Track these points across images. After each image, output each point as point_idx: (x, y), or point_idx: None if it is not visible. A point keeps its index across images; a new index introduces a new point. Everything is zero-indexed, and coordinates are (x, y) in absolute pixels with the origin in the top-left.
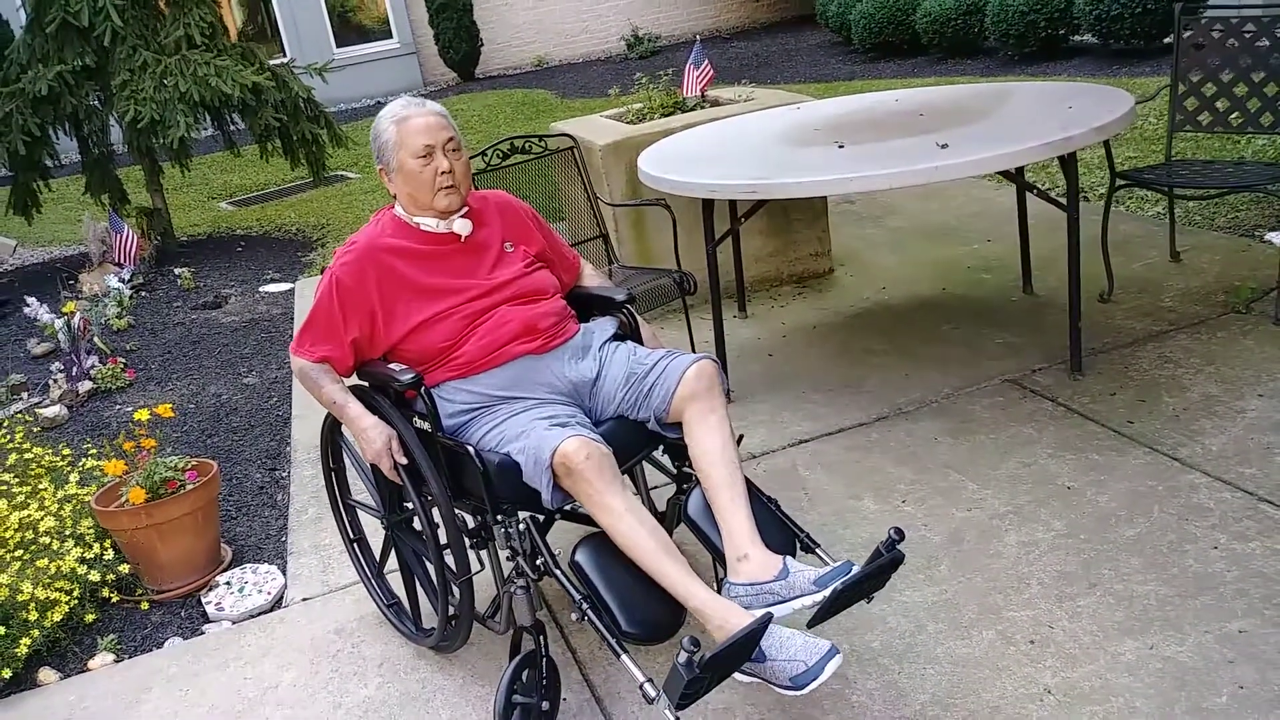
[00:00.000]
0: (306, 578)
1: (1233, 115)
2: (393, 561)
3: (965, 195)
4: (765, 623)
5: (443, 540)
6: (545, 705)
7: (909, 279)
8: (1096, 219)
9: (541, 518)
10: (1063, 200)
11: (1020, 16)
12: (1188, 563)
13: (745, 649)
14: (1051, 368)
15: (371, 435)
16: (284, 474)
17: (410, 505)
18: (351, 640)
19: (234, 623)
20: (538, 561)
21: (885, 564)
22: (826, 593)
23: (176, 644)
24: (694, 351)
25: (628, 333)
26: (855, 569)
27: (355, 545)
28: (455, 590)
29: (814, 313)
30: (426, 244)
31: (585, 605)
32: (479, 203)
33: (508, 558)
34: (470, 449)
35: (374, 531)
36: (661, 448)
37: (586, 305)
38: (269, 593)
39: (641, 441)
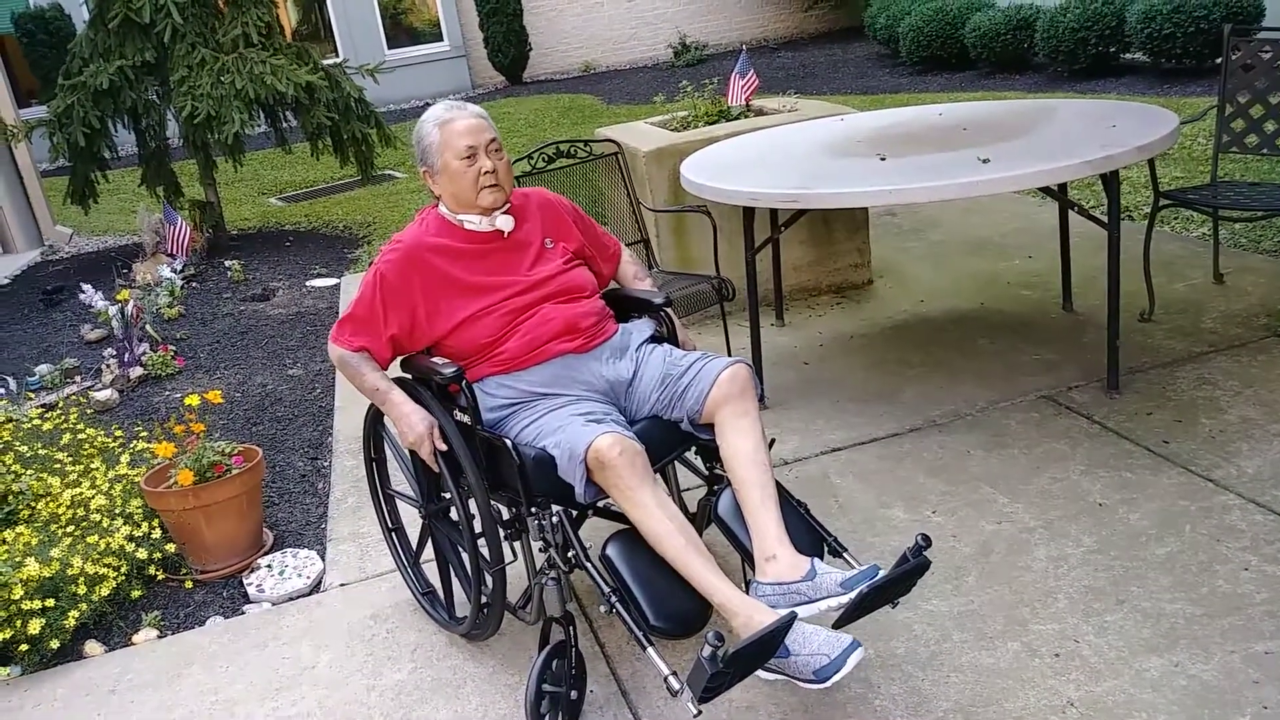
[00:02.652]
0: (345, 564)
1: None
2: (428, 552)
3: (1007, 210)
4: (790, 621)
5: (478, 530)
6: (573, 695)
7: (948, 292)
8: (1140, 238)
9: (575, 512)
10: (1104, 218)
11: (1071, 33)
12: (1217, 583)
13: (769, 646)
14: (1088, 385)
15: (414, 420)
16: (325, 463)
17: (448, 495)
18: (386, 626)
19: (274, 604)
20: (569, 554)
21: (911, 569)
22: (852, 595)
23: (218, 623)
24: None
25: (665, 335)
26: (881, 573)
27: (393, 534)
28: (488, 579)
29: (851, 323)
30: (470, 242)
31: (614, 598)
32: (520, 200)
33: (540, 549)
34: (508, 442)
35: (411, 522)
36: (694, 449)
37: (626, 306)
38: (308, 577)
39: (675, 442)
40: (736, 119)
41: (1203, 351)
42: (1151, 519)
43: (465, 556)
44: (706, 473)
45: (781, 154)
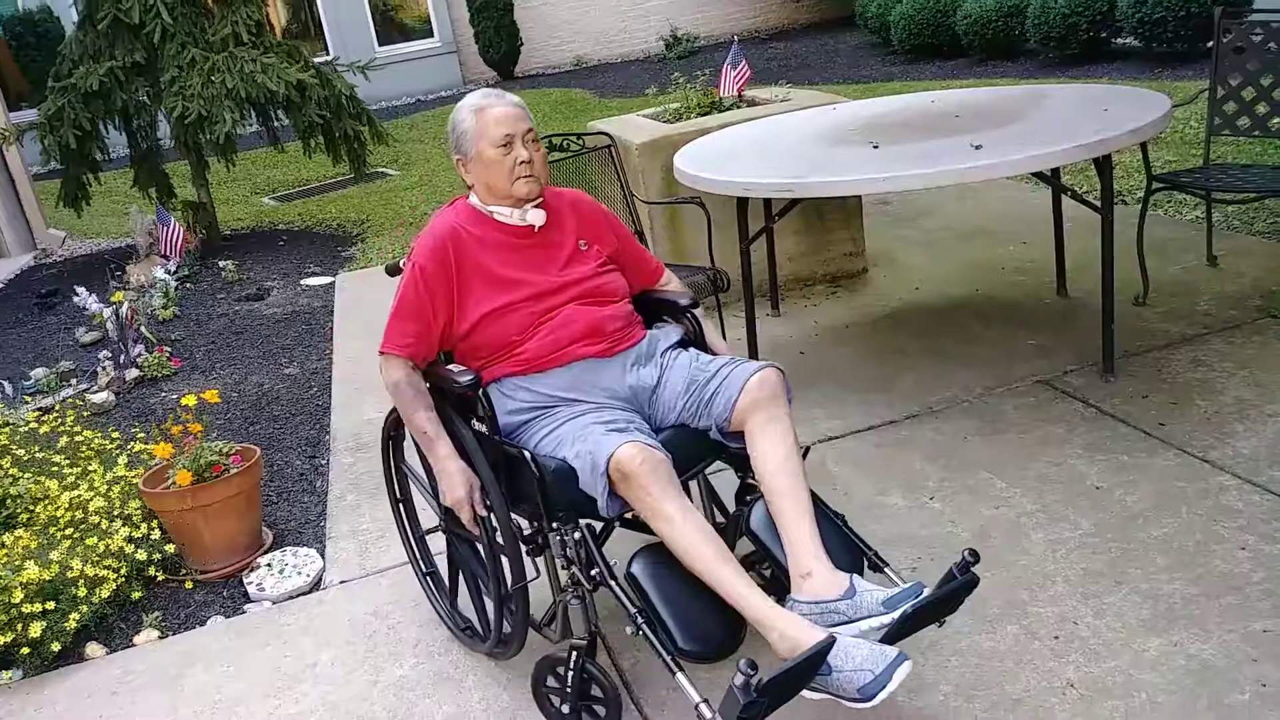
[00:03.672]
0: (344, 561)
1: (1273, 120)
2: (437, 544)
3: (1001, 197)
4: (828, 645)
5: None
6: (565, 709)
7: (943, 279)
8: (1134, 222)
9: (599, 525)
10: (1098, 203)
11: (1062, 19)
12: (1215, 563)
13: (806, 673)
14: (1083, 369)
15: (456, 481)
16: (323, 461)
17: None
18: (388, 622)
19: (274, 603)
20: (593, 572)
21: (958, 587)
22: (895, 615)
23: (219, 622)
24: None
25: (692, 339)
26: (926, 591)
27: (400, 505)
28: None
29: (847, 312)
30: (501, 235)
31: (640, 619)
32: (554, 199)
33: (563, 566)
34: (527, 454)
35: (423, 508)
36: (719, 461)
37: (652, 310)
38: (308, 575)
39: (703, 451)
40: (729, 110)
41: (1197, 334)
42: (1148, 501)
43: (488, 574)
44: (734, 511)
45: (774, 144)
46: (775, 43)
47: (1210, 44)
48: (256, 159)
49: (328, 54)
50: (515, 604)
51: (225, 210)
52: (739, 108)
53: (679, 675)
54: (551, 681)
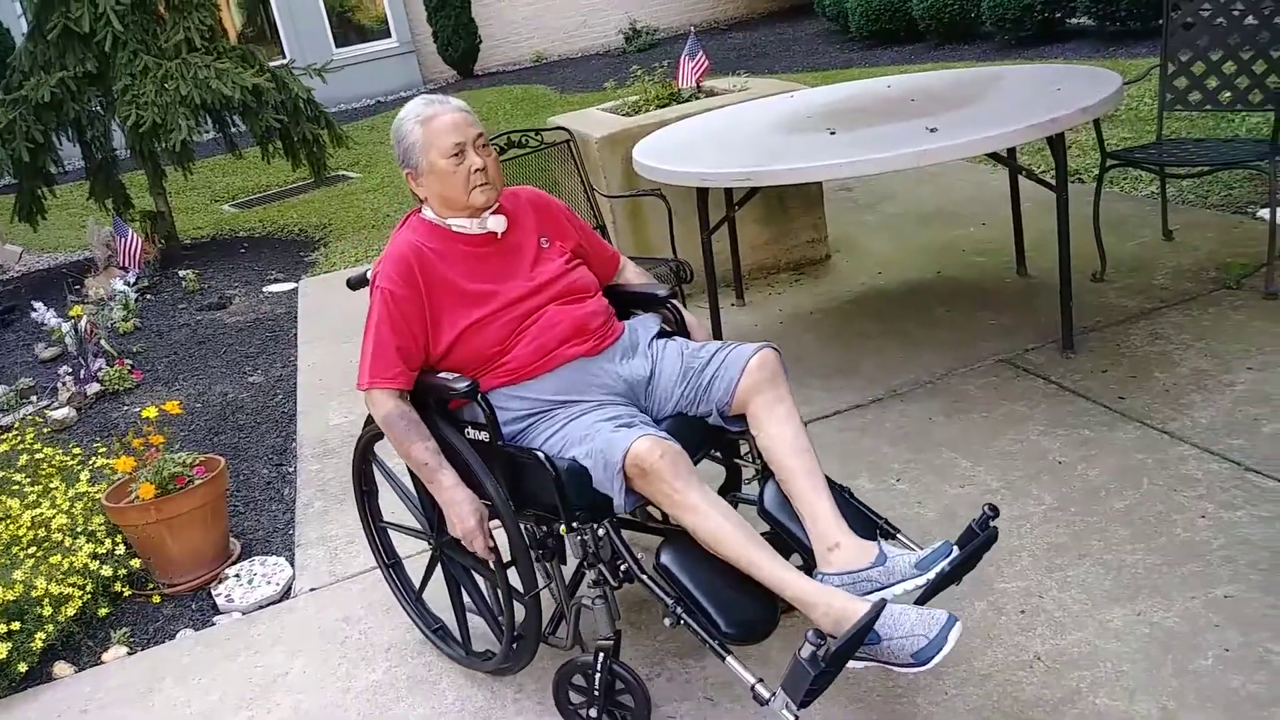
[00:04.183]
0: (314, 568)
1: (1223, 94)
2: (416, 544)
3: (960, 179)
4: (878, 613)
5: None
6: (593, 712)
7: (904, 263)
8: (1090, 200)
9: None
10: (1053, 181)
11: (1016, 0)
12: (1176, 532)
13: (856, 644)
14: (1044, 347)
15: (464, 511)
16: (290, 469)
17: None
18: (359, 627)
19: (244, 613)
20: (622, 568)
21: (981, 543)
22: (930, 575)
23: (188, 635)
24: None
25: (673, 328)
26: (955, 550)
27: (365, 497)
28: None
29: (811, 298)
30: (464, 246)
31: (679, 609)
32: (511, 200)
33: (588, 565)
34: (541, 455)
35: (392, 506)
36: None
37: (626, 303)
38: (278, 584)
39: (700, 439)
40: (688, 101)
41: (1154, 307)
42: (1110, 474)
43: (485, 587)
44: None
45: (733, 133)
46: (734, 33)
47: (1161, 21)
48: (215, 166)
49: (284, 57)
50: (527, 613)
51: (184, 219)
52: (698, 98)
53: (729, 659)
54: (576, 685)
